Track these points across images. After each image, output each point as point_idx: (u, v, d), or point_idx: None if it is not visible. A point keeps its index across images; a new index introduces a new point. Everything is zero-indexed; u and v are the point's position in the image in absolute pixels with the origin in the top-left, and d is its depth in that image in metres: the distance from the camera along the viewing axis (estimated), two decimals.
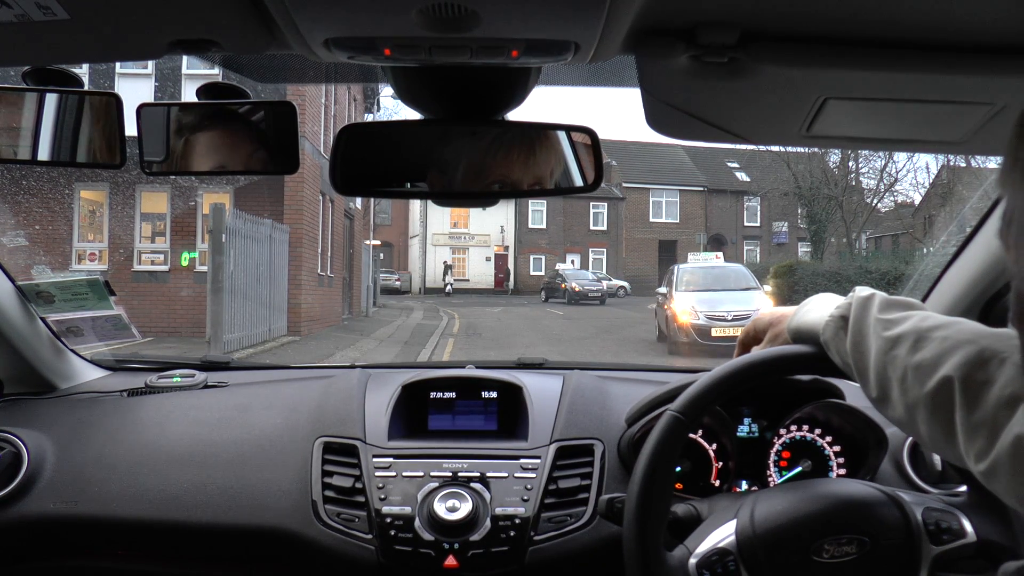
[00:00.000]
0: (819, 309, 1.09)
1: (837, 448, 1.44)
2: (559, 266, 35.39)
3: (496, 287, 36.25)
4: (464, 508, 1.31)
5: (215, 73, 1.31)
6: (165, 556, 1.45)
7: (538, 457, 1.41)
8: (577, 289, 28.30)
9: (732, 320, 12.01)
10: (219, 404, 1.62)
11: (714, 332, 12.08)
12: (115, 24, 0.86)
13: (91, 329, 1.77)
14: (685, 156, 39.55)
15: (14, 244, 12.11)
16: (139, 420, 1.57)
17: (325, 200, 16.44)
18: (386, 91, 15.43)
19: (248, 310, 11.79)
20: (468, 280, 36.42)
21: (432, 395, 1.55)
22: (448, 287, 35.26)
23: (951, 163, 22.80)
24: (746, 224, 38.72)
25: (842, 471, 1.42)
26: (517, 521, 1.33)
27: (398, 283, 34.07)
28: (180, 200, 13.87)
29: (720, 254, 18.35)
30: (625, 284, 33.16)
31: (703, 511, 1.15)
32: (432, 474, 1.37)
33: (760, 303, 12.08)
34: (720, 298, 12.89)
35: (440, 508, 1.31)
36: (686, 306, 12.61)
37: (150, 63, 10.84)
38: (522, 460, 1.41)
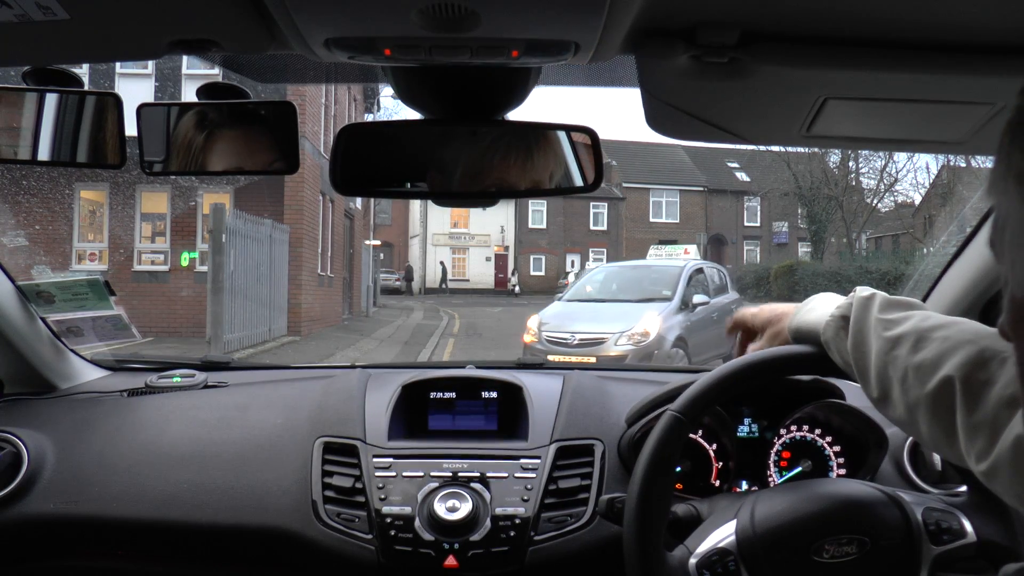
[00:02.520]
0: (820, 309, 1.09)
1: (837, 448, 1.44)
2: (588, 266, 31.03)
3: (497, 287, 36.18)
4: (464, 508, 1.31)
5: (215, 73, 1.31)
6: (165, 556, 1.45)
7: (538, 457, 1.41)
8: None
9: (576, 346, 8.84)
10: (219, 404, 1.62)
11: (551, 360, 8.26)
12: (115, 24, 0.86)
13: (91, 329, 1.77)
14: (685, 156, 39.55)
15: (14, 244, 12.11)
16: (139, 420, 1.57)
17: (325, 200, 16.44)
18: (386, 91, 15.44)
19: (248, 310, 11.79)
20: (468, 280, 36.40)
21: (432, 395, 1.55)
22: (515, 287, 33.84)
23: (951, 163, 22.84)
24: (746, 224, 38.73)
25: (842, 471, 1.43)
26: (517, 521, 1.33)
27: (398, 283, 33.93)
28: (180, 200, 13.87)
29: (691, 247, 14.44)
30: None
31: (703, 511, 1.15)
32: (432, 474, 1.37)
33: (645, 324, 8.89)
34: (587, 312, 9.74)
35: (440, 508, 1.31)
36: (534, 321, 9.66)
37: (150, 63, 10.84)
38: (522, 460, 1.41)
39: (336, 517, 1.35)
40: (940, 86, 0.93)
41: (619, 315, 9.35)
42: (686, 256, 13.64)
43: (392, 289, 31.59)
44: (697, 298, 9.93)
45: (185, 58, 1.72)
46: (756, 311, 1.23)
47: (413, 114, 1.12)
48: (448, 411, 1.55)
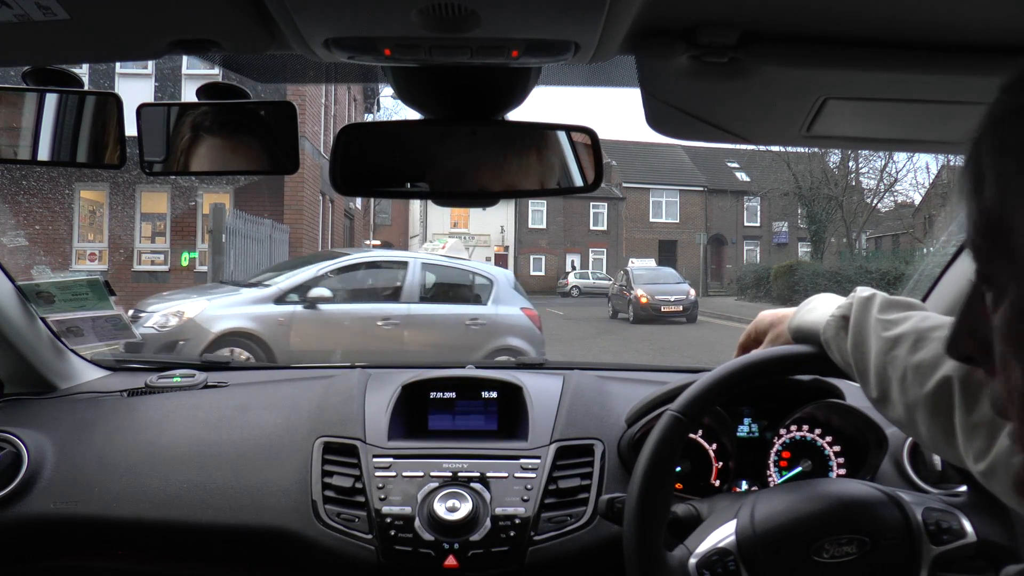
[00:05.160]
0: (820, 309, 1.09)
1: (837, 448, 1.44)
2: (631, 263, 25.12)
3: None
4: (464, 508, 1.31)
5: (215, 73, 1.31)
6: (165, 556, 1.45)
7: (538, 457, 1.41)
8: (644, 301, 17.83)
9: (132, 320, 6.01)
10: (219, 404, 1.62)
11: None
12: (115, 24, 0.86)
13: (91, 329, 1.77)
14: (685, 156, 39.54)
15: (14, 244, 12.12)
16: (139, 420, 1.57)
17: (325, 200, 16.45)
18: (386, 91, 15.44)
19: None
20: None
21: (432, 395, 1.55)
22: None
23: (951, 163, 22.80)
24: (746, 224, 38.71)
25: (842, 471, 1.43)
26: (517, 521, 1.33)
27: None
28: (180, 200, 13.88)
29: (452, 242, 11.04)
30: None
31: (703, 511, 1.15)
32: (432, 474, 1.37)
33: (181, 306, 7.45)
34: (207, 293, 8.34)
35: (440, 508, 1.31)
36: None
37: (150, 63, 10.85)
38: (522, 460, 1.41)
39: (336, 517, 1.35)
40: (940, 86, 0.93)
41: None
42: (442, 251, 10.83)
43: None
44: (317, 292, 7.55)
45: (185, 58, 1.72)
46: (757, 320, 1.23)
47: (413, 114, 1.12)
48: (448, 411, 1.55)
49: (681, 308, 18.13)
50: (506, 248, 37.06)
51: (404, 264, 8.22)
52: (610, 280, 32.31)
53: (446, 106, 1.08)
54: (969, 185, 0.50)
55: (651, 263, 26.69)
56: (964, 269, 1.51)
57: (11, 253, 11.59)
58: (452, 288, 8.54)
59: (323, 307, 7.48)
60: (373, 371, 1.71)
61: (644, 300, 17.83)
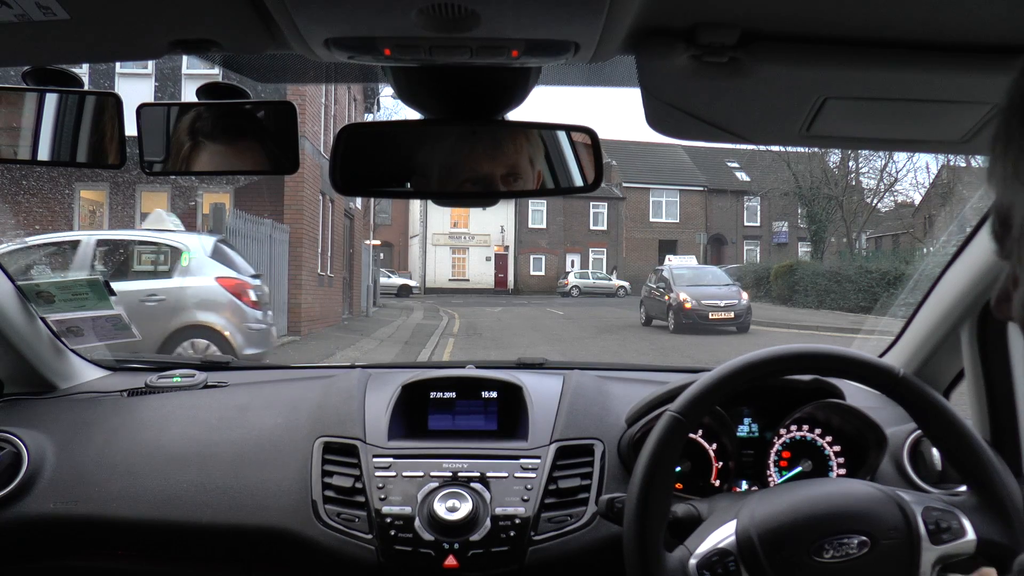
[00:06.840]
0: None
1: (837, 448, 1.44)
2: (669, 261, 22.00)
3: (497, 287, 36.14)
4: (464, 508, 1.31)
5: (215, 73, 1.31)
6: (165, 556, 1.45)
7: (538, 457, 1.41)
8: (689, 307, 15.17)
9: None
10: (219, 404, 1.62)
11: None
12: (115, 24, 0.86)
13: (91, 329, 1.77)
14: (685, 156, 39.55)
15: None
16: (139, 420, 1.57)
17: (325, 200, 16.45)
18: (386, 91, 15.43)
19: None
20: (468, 280, 36.38)
21: (432, 395, 1.56)
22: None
23: (951, 163, 22.82)
24: (746, 224, 38.72)
25: (842, 471, 1.43)
26: (517, 521, 1.33)
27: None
28: (180, 200, 13.87)
29: (151, 215, 9.36)
30: (625, 284, 32.84)
31: (703, 511, 1.16)
32: (432, 474, 1.37)
33: None
34: None
35: (440, 508, 1.31)
36: None
37: (150, 63, 10.84)
38: (522, 460, 1.41)
39: (336, 517, 1.35)
40: (940, 86, 0.93)
41: None
42: (143, 224, 9.45)
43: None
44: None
45: (185, 58, 1.72)
46: None
47: (413, 114, 1.12)
48: (448, 411, 1.55)
49: (732, 315, 15.25)
50: (506, 248, 37.07)
51: (76, 243, 7.36)
52: (610, 280, 32.30)
53: (446, 106, 1.08)
54: None
55: (692, 260, 23.71)
56: (964, 269, 1.51)
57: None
58: (132, 263, 7.55)
59: None
60: (373, 371, 1.71)
61: (689, 305, 15.28)
